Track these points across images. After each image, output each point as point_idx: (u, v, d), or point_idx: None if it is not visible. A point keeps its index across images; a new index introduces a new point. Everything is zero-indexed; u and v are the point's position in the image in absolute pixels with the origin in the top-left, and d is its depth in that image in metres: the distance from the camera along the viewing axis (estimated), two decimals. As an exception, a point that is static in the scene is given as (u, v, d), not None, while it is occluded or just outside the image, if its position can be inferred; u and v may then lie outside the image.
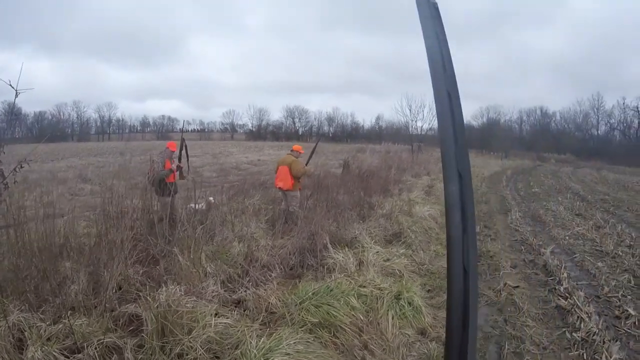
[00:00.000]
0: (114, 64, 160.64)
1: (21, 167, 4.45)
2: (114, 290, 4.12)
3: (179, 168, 7.76)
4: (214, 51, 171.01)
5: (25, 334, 3.24)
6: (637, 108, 62.88)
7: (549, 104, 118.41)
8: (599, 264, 6.82)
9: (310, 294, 4.26)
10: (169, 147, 7.91)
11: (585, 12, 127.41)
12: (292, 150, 8.26)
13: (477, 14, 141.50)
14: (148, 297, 3.62)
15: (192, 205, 6.47)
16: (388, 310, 4.22)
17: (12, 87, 3.67)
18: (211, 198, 7.59)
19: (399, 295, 4.46)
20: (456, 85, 0.92)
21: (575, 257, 7.20)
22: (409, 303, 4.37)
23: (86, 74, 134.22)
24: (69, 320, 3.28)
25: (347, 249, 5.92)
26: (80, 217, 6.51)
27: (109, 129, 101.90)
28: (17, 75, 3.75)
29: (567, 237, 8.67)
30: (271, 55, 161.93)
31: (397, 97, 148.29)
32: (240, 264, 5.21)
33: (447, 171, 0.92)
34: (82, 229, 5.99)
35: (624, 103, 64.66)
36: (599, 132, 69.08)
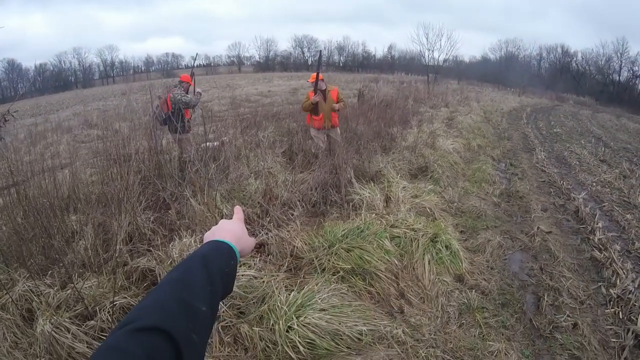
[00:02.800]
0: (107, 5, 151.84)
1: (5, 120, 4.01)
2: (124, 243, 3.79)
3: (198, 95, 7.10)
4: None
5: (34, 304, 2.94)
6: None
7: (571, 42, 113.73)
8: (628, 216, 6.40)
9: (339, 236, 3.91)
10: (183, 79, 7.15)
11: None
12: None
13: None
14: (160, 252, 3.32)
15: (205, 144, 5.96)
16: (424, 254, 3.90)
17: None
18: (225, 138, 7.09)
19: (436, 237, 4.12)
20: None
21: (604, 206, 6.82)
22: (446, 247, 4.05)
23: (81, 20, 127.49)
24: (74, 286, 2.95)
25: (372, 184, 5.52)
26: (87, 165, 6.20)
27: (113, 72, 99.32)
28: (9, 31, 3.18)
29: (593, 184, 8.27)
30: None
31: (409, 27, 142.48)
32: (259, 203, 4.79)
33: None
34: (88, 178, 5.64)
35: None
36: (620, 78, 66.22)
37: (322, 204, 5.19)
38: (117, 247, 3.63)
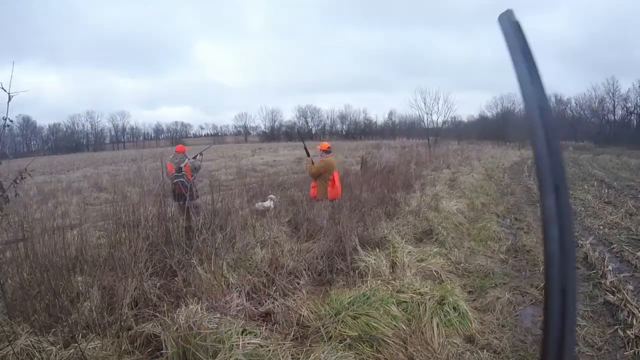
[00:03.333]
0: (122, 72, 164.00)
1: (22, 178, 4.23)
2: (129, 307, 3.89)
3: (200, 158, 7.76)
4: (219, 55, 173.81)
5: (35, 359, 3.01)
6: (654, 90, 61.31)
7: (563, 90, 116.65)
8: (639, 253, 6.46)
9: (345, 303, 3.97)
10: (178, 151, 7.77)
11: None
12: (328, 150, 7.46)
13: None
14: (166, 318, 3.39)
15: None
16: (432, 317, 3.92)
17: (5, 90, 3.55)
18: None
19: (443, 300, 4.15)
20: (546, 98, 0.88)
21: (613, 248, 6.84)
22: (454, 308, 4.09)
23: (95, 84, 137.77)
24: (79, 346, 3.03)
25: (377, 250, 5.59)
26: (95, 228, 6.40)
27: (124, 138, 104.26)
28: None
29: (601, 227, 8.30)
30: (276, 56, 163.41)
31: (407, 92, 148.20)
32: (265, 272, 4.88)
33: (543, 183, 0.84)
34: (96, 240, 5.84)
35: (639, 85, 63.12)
36: (615, 117, 67.25)
37: (328, 272, 5.26)
38: (123, 310, 3.71)
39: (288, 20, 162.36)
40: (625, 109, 65.80)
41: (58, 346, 3.16)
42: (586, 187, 14.62)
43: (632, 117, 65.31)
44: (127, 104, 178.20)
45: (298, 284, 4.80)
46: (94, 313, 3.70)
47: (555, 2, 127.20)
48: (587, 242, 6.95)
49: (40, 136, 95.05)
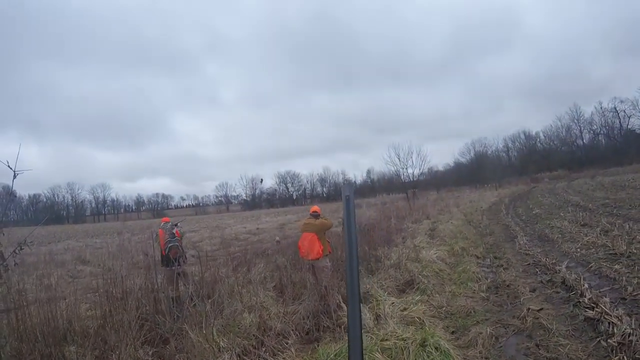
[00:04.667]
0: (100, 146, 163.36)
1: (21, 249, 4.41)
2: None
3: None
4: (195, 127, 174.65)
5: None
6: (615, 108, 64.57)
7: (531, 125, 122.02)
8: (616, 266, 6.81)
9: (332, 356, 4.09)
10: (165, 221, 8.20)
11: (539, 30, 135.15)
12: (312, 214, 7.57)
13: (438, 51, 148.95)
14: None
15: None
16: (415, 359, 4.06)
17: (11, 168, 3.75)
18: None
19: (424, 342, 4.29)
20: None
21: (591, 267, 7.12)
22: (436, 348, 4.20)
23: (74, 157, 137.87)
24: None
25: (361, 305, 5.74)
26: (82, 300, 6.42)
27: (104, 210, 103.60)
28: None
29: (578, 250, 8.62)
30: (251, 125, 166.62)
31: (382, 149, 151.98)
32: (254, 335, 5.01)
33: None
34: (85, 312, 5.87)
35: (601, 107, 66.53)
36: (584, 141, 70.30)
37: (315, 330, 5.39)
38: None
39: (259, 91, 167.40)
40: (592, 131, 68.75)
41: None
42: (562, 214, 15.07)
43: (600, 138, 68.04)
44: (107, 177, 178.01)
45: (287, 343, 4.92)
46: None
47: (509, 42, 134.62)
48: (563, 266, 7.20)
49: (20, 206, 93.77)
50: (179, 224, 8.29)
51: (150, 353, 4.50)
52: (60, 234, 40.94)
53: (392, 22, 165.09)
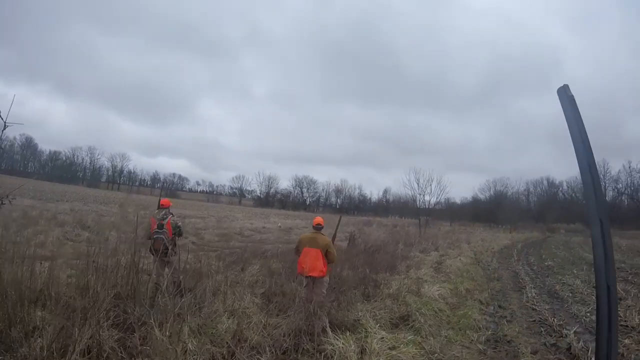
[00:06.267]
0: (126, 116, 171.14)
1: (2, 203, 4.35)
2: (81, 354, 3.69)
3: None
4: (221, 115, 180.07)
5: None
6: (643, 170, 63.10)
7: (555, 174, 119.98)
8: (626, 340, 6.31)
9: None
10: (163, 204, 7.84)
11: (580, 77, 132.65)
12: (316, 227, 7.05)
13: (474, 82, 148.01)
14: None
15: None
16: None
17: (1, 119, 3.71)
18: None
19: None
20: (593, 157, 1.41)
21: (600, 337, 6.59)
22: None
23: (99, 121, 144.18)
24: None
25: (348, 334, 5.32)
26: (67, 265, 6.24)
27: (120, 180, 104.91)
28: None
29: (588, 314, 8.06)
30: (276, 123, 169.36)
31: (402, 170, 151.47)
32: (227, 343, 4.63)
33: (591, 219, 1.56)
34: (66, 279, 5.70)
35: (629, 167, 65.22)
36: (607, 198, 68.56)
37: (293, 351, 4.99)
38: (73, 356, 3.56)
39: (290, 91, 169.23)
40: (616, 190, 67.25)
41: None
42: (575, 271, 14.49)
43: (623, 198, 66.51)
44: (128, 148, 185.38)
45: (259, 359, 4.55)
46: (45, 351, 3.59)
47: (546, 83, 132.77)
48: (572, 331, 6.69)
49: (39, 160, 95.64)
50: (174, 215, 7.92)
51: (115, 338, 4.20)
52: (71, 194, 41.49)
53: (433, 44, 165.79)
